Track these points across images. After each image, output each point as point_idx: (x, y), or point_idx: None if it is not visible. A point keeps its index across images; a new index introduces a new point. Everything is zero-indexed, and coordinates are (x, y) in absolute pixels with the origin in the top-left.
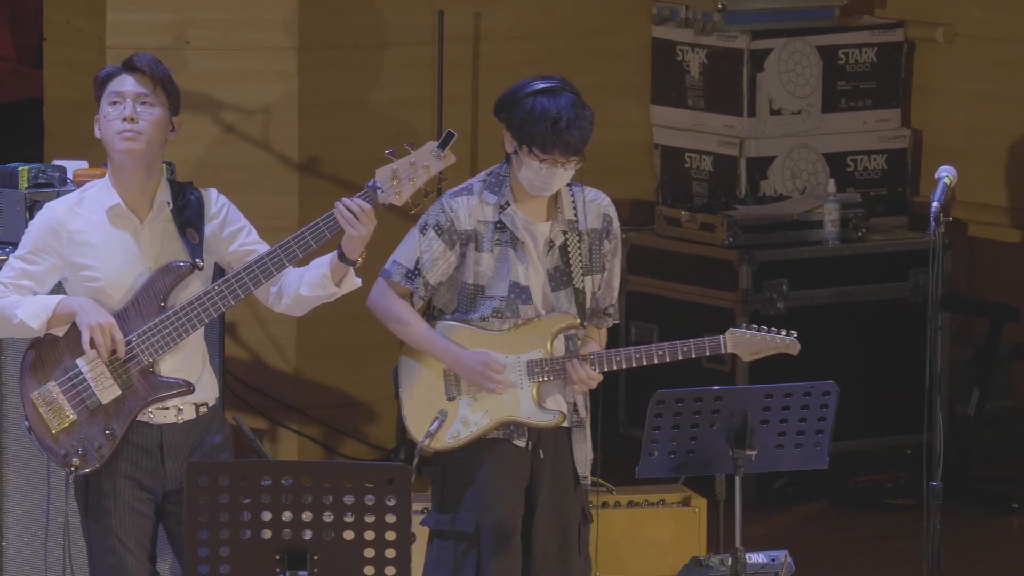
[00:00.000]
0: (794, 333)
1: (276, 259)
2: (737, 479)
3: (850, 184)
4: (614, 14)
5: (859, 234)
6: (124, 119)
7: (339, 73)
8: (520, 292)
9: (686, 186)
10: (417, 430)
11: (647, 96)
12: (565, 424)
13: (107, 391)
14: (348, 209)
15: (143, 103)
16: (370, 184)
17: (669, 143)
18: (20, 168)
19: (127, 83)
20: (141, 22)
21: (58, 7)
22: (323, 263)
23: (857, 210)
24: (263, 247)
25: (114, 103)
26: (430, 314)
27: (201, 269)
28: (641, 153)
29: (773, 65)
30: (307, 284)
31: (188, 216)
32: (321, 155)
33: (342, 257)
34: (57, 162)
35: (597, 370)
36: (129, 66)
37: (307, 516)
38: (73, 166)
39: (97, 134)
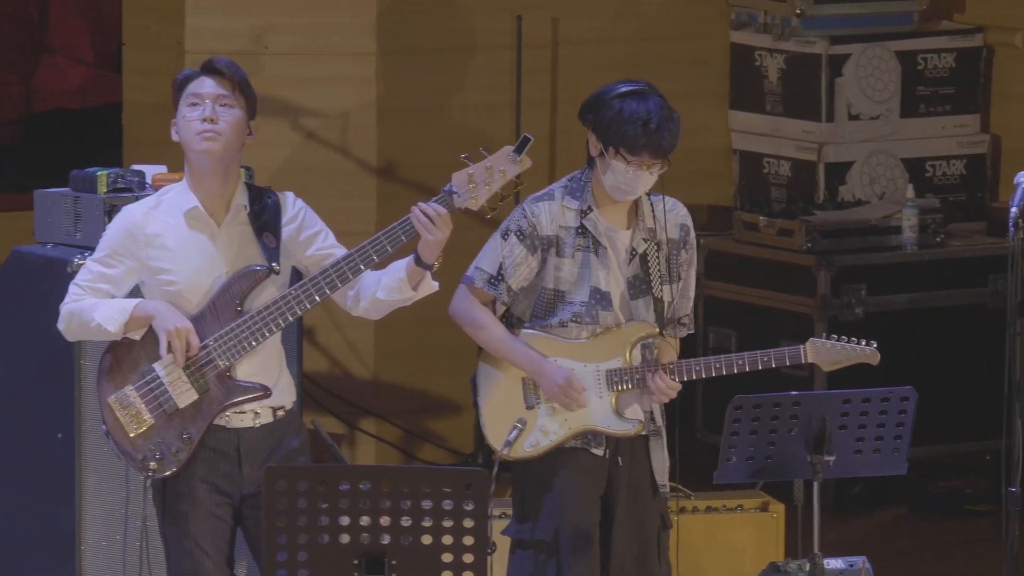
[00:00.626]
0: (874, 343)
1: (353, 263)
2: (815, 484)
3: (929, 189)
4: (693, 19)
5: (937, 239)
6: (204, 119)
7: (418, 78)
8: (601, 298)
9: (764, 191)
10: (495, 438)
11: (725, 101)
12: (643, 433)
13: (184, 395)
14: (424, 213)
15: (222, 104)
16: (446, 188)
17: (747, 148)
18: (99, 173)
19: (206, 85)
20: (220, 27)
21: (138, 12)
22: (400, 267)
23: (936, 215)
24: (340, 251)
25: (193, 104)
26: (508, 322)
27: (278, 273)
28: (720, 159)
29: (852, 70)
30: (384, 288)
31: (265, 220)
32: (399, 160)
33: (419, 261)
34: (136, 167)
35: (676, 380)
36: (208, 68)
37: (385, 521)
38: (152, 170)
39: (174, 137)
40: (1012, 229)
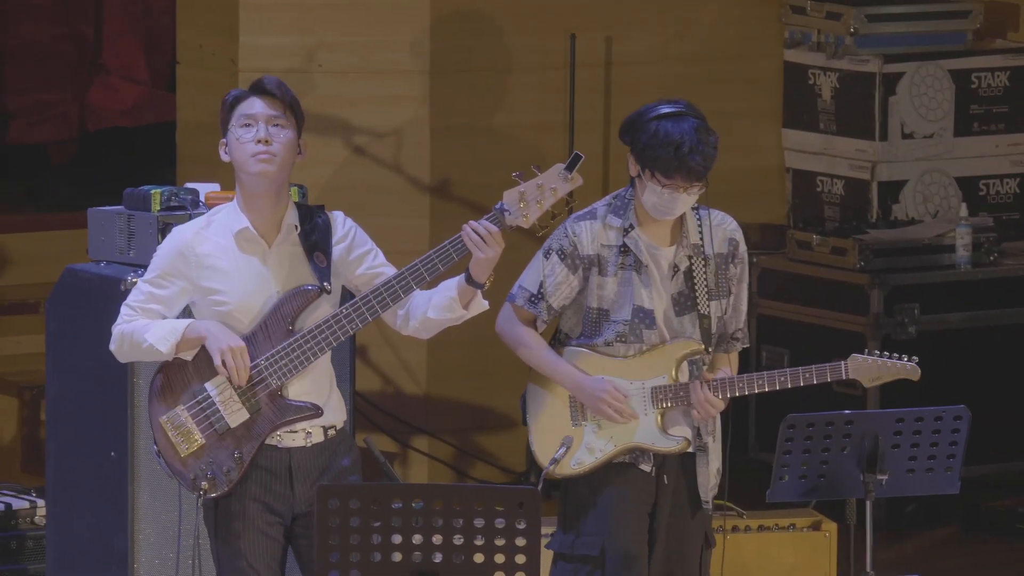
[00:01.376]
0: (915, 359)
1: (404, 282)
2: (868, 503)
3: (982, 208)
4: (746, 38)
5: (991, 258)
6: (258, 141)
7: (471, 96)
8: (644, 316)
9: (818, 210)
10: (543, 456)
11: (779, 120)
12: (689, 450)
13: (235, 415)
14: (475, 232)
15: (275, 125)
16: (497, 206)
17: (801, 167)
18: (153, 191)
19: (257, 105)
20: (273, 45)
21: (192, 30)
22: (451, 286)
23: (989, 234)
24: (390, 270)
25: (246, 125)
26: (556, 339)
27: (329, 292)
28: (773, 177)
29: (905, 89)
30: (435, 307)
31: (316, 239)
32: (452, 178)
33: (470, 280)
34: (189, 185)
35: (720, 396)
36: (259, 89)
37: (437, 539)
38: (205, 189)
39: (224, 157)
40: None
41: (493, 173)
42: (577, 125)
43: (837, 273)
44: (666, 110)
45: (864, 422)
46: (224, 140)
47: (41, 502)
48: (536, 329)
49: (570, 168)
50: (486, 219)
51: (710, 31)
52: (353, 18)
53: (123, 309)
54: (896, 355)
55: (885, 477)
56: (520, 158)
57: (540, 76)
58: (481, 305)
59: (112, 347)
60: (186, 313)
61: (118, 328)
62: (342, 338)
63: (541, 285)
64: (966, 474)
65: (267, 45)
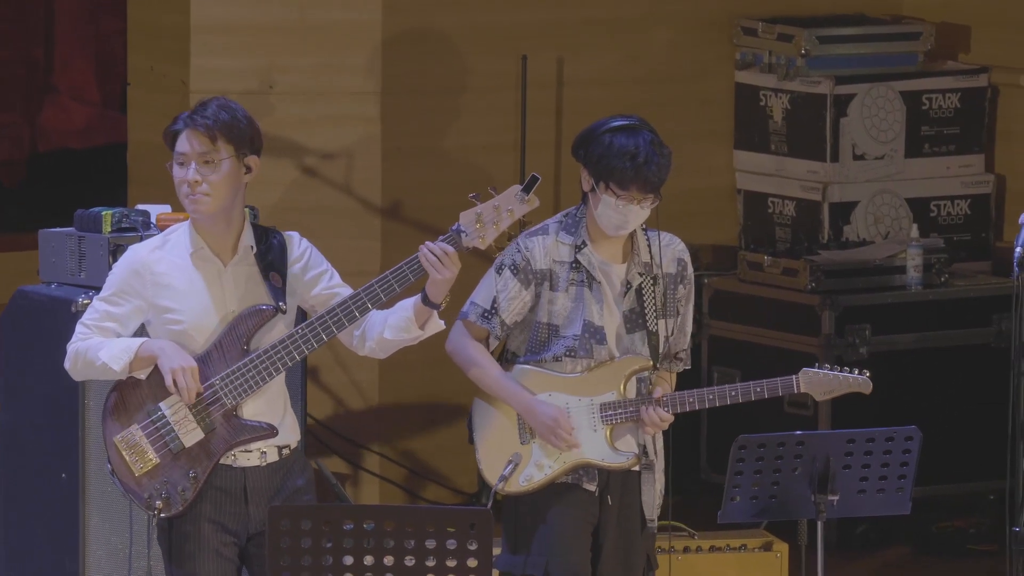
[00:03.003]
0: (866, 372)
1: (360, 302)
2: (819, 524)
3: (933, 229)
4: (698, 60)
5: (942, 279)
6: (189, 183)
7: (422, 118)
8: (595, 332)
9: (769, 231)
10: (491, 474)
11: (731, 141)
12: (635, 468)
13: (190, 434)
14: (432, 252)
15: (205, 163)
16: (454, 228)
17: (752, 188)
18: (104, 212)
19: (189, 143)
20: (225, 67)
21: (143, 52)
22: (407, 306)
23: (940, 255)
24: (346, 290)
25: (180, 163)
26: (504, 357)
27: (284, 312)
28: (724, 198)
29: (856, 110)
30: (391, 328)
31: (271, 260)
32: (404, 200)
33: (426, 300)
34: (141, 207)
35: (670, 411)
36: (188, 122)
37: (389, 560)
38: (156, 210)
39: None
40: (1016, 269)
41: (445, 195)
42: (528, 146)
43: (788, 294)
44: (619, 123)
45: (815, 443)
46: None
47: None
48: (488, 346)
49: (527, 190)
50: (443, 240)
51: (662, 52)
52: (305, 39)
53: (78, 327)
54: (847, 368)
55: (836, 498)
56: (472, 179)
57: (492, 97)
58: (437, 325)
59: (67, 365)
60: (141, 331)
61: (73, 346)
62: (297, 358)
63: (494, 301)
64: (917, 495)
65: (218, 67)
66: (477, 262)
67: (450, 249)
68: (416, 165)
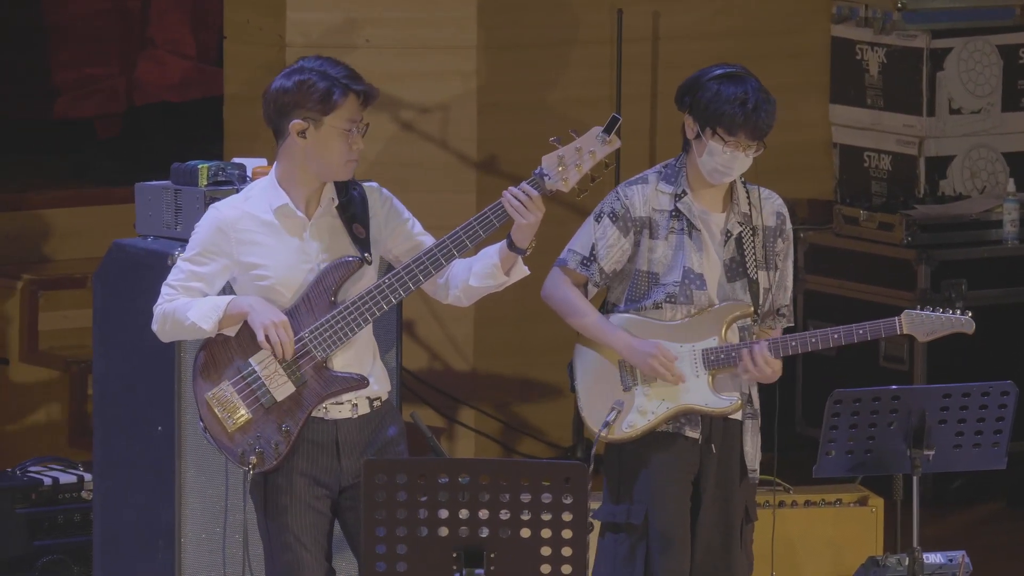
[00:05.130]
0: (969, 313)
1: (445, 250)
2: (915, 479)
3: None
4: (794, 14)
5: None
6: (355, 148)
7: (518, 72)
8: (694, 279)
9: (865, 185)
10: (594, 421)
11: (826, 95)
12: (738, 417)
13: (281, 388)
14: (516, 197)
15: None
16: (537, 171)
17: (848, 142)
18: (200, 166)
19: (355, 109)
20: (321, 21)
21: (239, 6)
22: (492, 253)
23: None
24: (428, 239)
25: (347, 131)
26: (603, 308)
27: (370, 263)
28: (820, 152)
29: (953, 64)
30: (476, 275)
31: (353, 212)
32: (499, 153)
33: (511, 246)
34: (236, 160)
35: (773, 355)
36: (360, 91)
37: (484, 514)
38: (252, 163)
39: (297, 140)
40: None
41: (540, 148)
42: (624, 100)
43: (884, 248)
44: (725, 71)
45: (911, 397)
46: (305, 124)
47: (88, 477)
48: (586, 294)
49: (608, 131)
50: (526, 184)
51: (757, 5)
52: None
53: (164, 289)
54: (950, 309)
55: (932, 453)
56: (567, 133)
57: (586, 51)
58: (522, 271)
59: (154, 327)
60: (227, 290)
61: (159, 308)
62: (385, 308)
63: (593, 248)
64: (1013, 450)
65: (314, 21)
66: (564, 214)
67: (534, 192)
68: (511, 119)
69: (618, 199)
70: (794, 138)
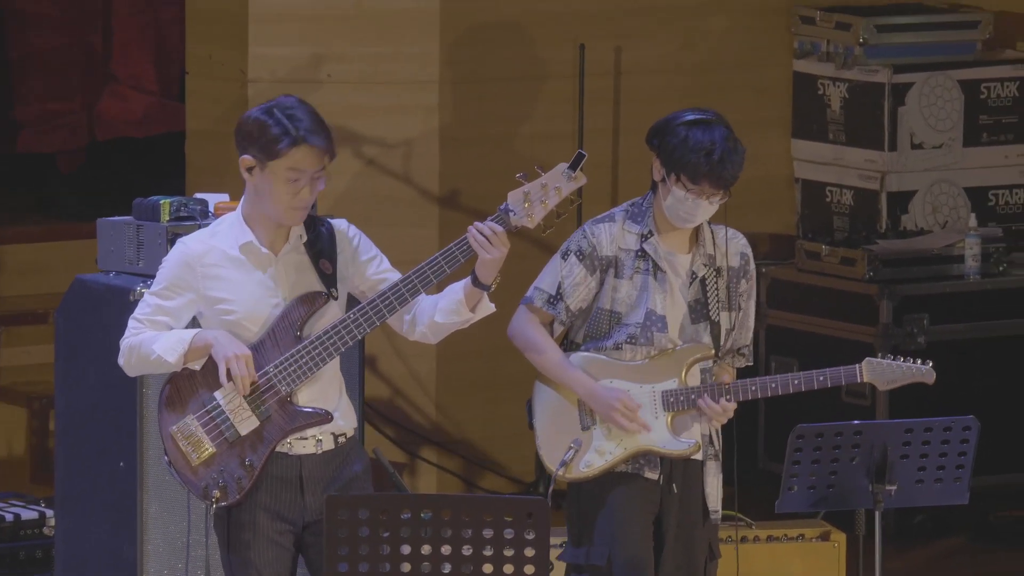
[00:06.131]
0: (929, 363)
1: (410, 285)
2: (877, 514)
3: (991, 218)
4: (755, 49)
5: (1000, 268)
6: (299, 196)
7: (481, 107)
8: (656, 320)
9: (827, 220)
10: (551, 459)
11: (788, 130)
12: (699, 456)
13: (245, 423)
14: (481, 232)
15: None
16: (502, 207)
17: (810, 177)
18: (162, 201)
19: (307, 159)
20: (283, 55)
21: (201, 40)
22: (457, 289)
23: (998, 244)
24: (395, 275)
25: (293, 180)
26: (565, 346)
27: (336, 299)
28: (782, 187)
29: (914, 99)
30: (441, 311)
31: (321, 247)
32: (462, 188)
33: (476, 282)
34: (199, 195)
35: (732, 400)
36: (314, 140)
37: (446, 550)
38: (215, 199)
39: (246, 175)
40: None
41: (503, 183)
42: (586, 134)
43: (846, 283)
44: (696, 117)
45: (873, 432)
46: (253, 162)
47: (50, 512)
48: (552, 332)
49: (573, 167)
50: (491, 220)
51: (719, 40)
52: (362, 28)
53: (130, 322)
54: (911, 358)
55: (894, 487)
56: (530, 168)
57: (549, 86)
58: (487, 308)
59: (120, 361)
60: (194, 324)
61: (126, 341)
62: (350, 343)
63: (559, 286)
64: (975, 485)
65: (276, 56)
66: (529, 250)
67: (499, 229)
68: (474, 154)
69: (585, 237)
70: (756, 173)
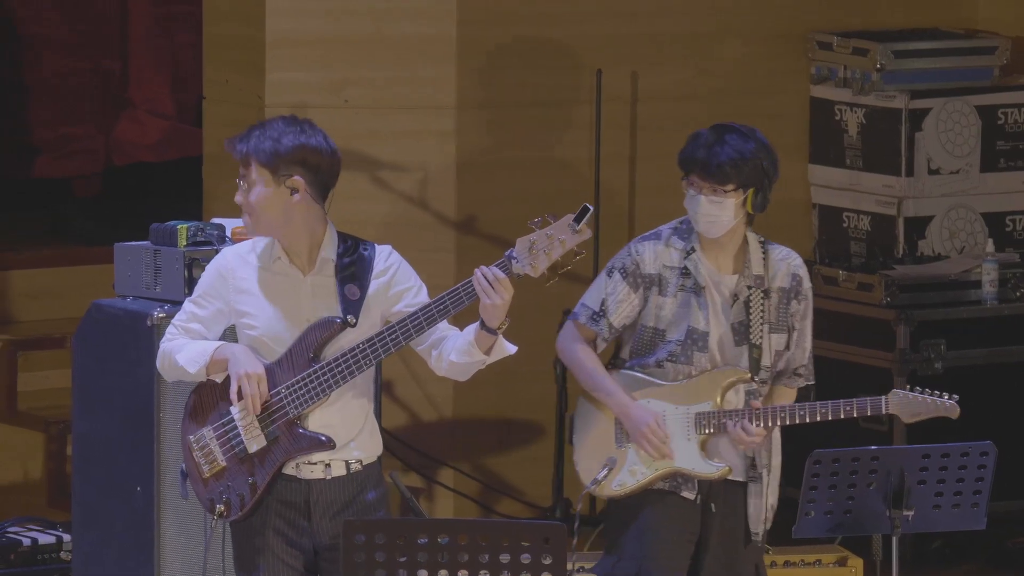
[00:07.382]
0: (955, 397)
1: (417, 322)
2: (894, 539)
3: (1009, 244)
4: (773, 74)
5: (1017, 294)
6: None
7: (497, 132)
8: (697, 339)
9: (844, 245)
10: (586, 475)
11: (805, 156)
12: (739, 479)
13: (254, 441)
14: (484, 278)
15: (243, 186)
16: (508, 253)
17: (827, 202)
18: (179, 226)
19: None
20: (300, 81)
21: (218, 66)
22: (469, 330)
23: (1016, 270)
24: None
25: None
26: (612, 362)
27: (353, 326)
28: (799, 213)
29: (932, 124)
30: (456, 351)
31: (353, 272)
32: (479, 213)
33: (483, 325)
34: (216, 220)
35: (760, 425)
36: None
37: (463, 575)
38: (232, 224)
39: None
40: None
41: (519, 208)
42: (603, 160)
43: (863, 309)
44: (722, 123)
45: (890, 458)
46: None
47: (68, 537)
48: (596, 348)
49: (578, 220)
50: (495, 265)
51: (735, 66)
52: (379, 53)
53: (169, 326)
54: (937, 392)
55: (911, 513)
56: (546, 193)
57: (567, 112)
58: (504, 350)
59: (157, 363)
60: (229, 335)
61: (162, 346)
62: (360, 371)
63: (603, 303)
64: (992, 510)
65: (293, 81)
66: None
67: (501, 275)
68: (490, 179)
69: (629, 255)
70: (773, 198)
